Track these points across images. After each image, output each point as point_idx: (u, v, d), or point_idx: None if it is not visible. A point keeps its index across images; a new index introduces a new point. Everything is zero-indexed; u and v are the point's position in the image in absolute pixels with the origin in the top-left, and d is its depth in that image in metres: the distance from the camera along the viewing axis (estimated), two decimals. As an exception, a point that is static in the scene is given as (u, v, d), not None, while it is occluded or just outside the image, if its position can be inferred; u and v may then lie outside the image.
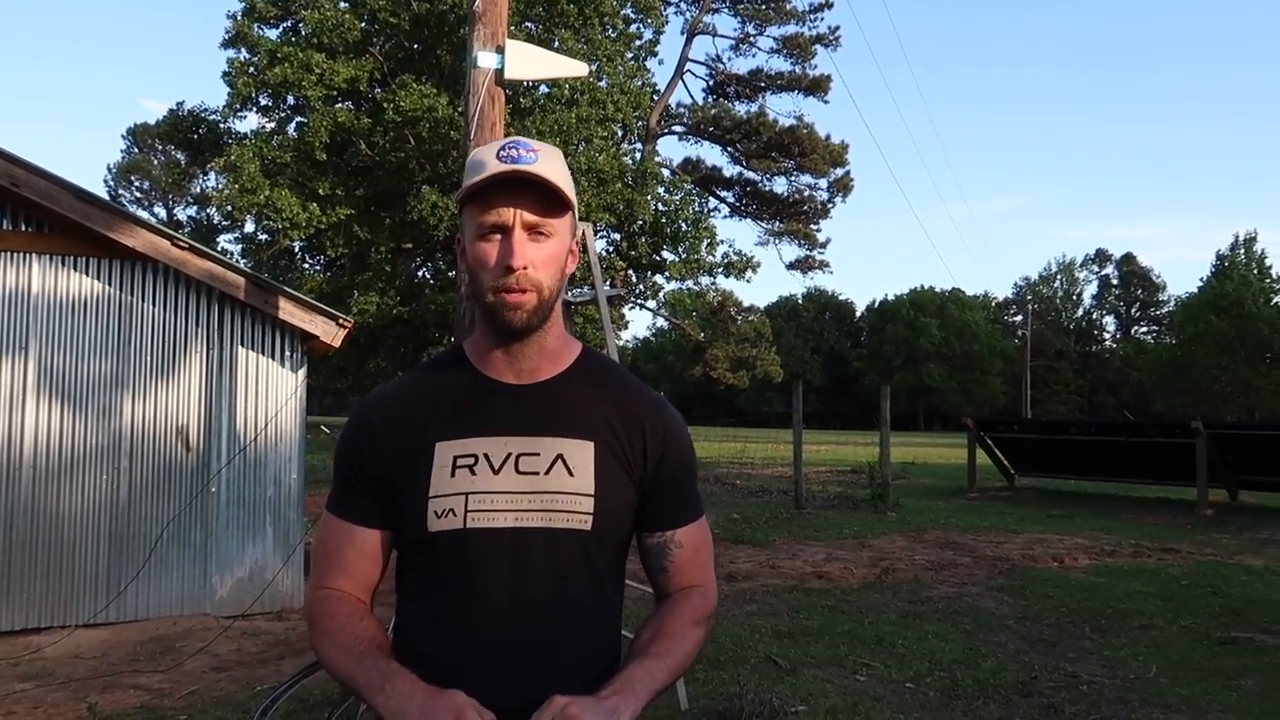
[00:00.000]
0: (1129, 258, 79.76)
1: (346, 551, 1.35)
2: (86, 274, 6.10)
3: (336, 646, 1.27)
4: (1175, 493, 14.90)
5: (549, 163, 1.29)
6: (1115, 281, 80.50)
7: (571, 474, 1.31)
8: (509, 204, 1.27)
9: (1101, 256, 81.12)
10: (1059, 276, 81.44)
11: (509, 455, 1.30)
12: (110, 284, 6.17)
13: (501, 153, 1.27)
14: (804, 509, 12.96)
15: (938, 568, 8.45)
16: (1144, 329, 78.46)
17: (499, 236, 1.28)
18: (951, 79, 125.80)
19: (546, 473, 1.30)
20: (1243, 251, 50.76)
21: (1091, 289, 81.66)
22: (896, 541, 10.11)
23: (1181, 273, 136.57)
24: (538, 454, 1.31)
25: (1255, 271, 49.69)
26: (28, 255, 5.96)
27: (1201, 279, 52.69)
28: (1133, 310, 79.92)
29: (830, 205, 30.90)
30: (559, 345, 1.39)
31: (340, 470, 1.37)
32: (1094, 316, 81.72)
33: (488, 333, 1.35)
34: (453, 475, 1.29)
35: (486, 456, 1.30)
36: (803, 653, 5.50)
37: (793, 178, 30.68)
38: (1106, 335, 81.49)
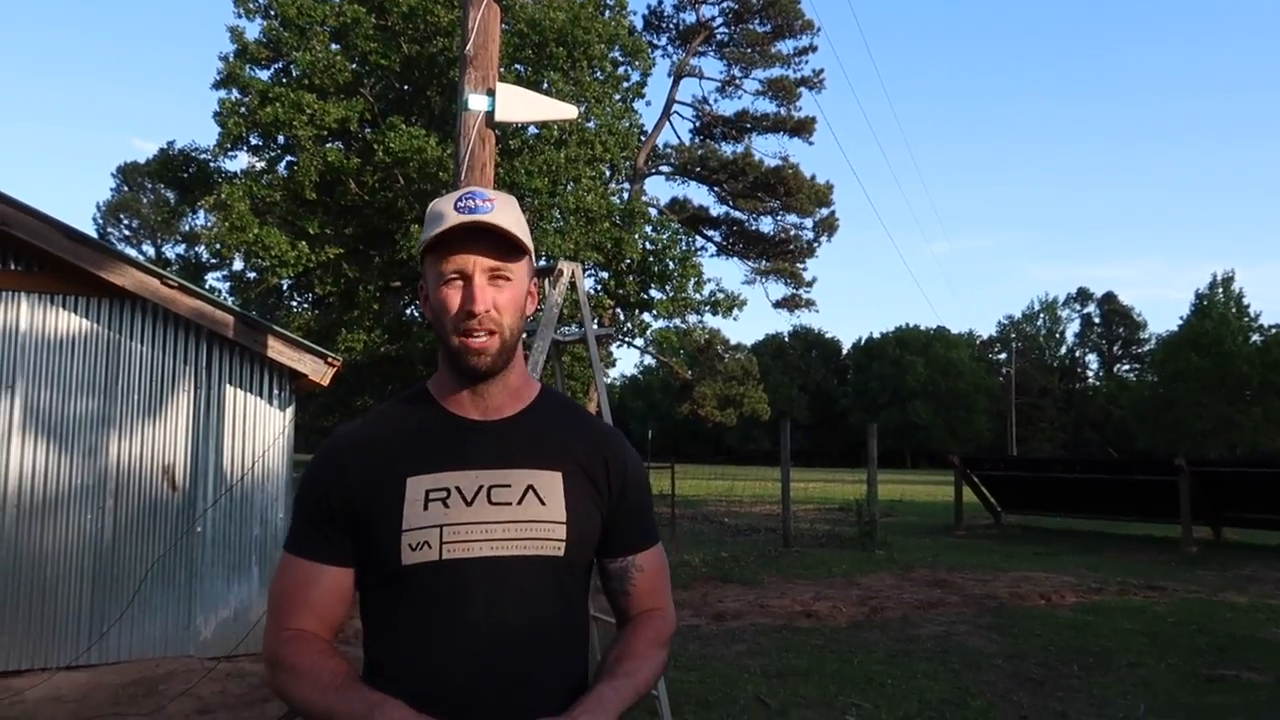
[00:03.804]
0: (1110, 297, 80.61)
1: (312, 591, 1.35)
2: (75, 312, 6.10)
3: (310, 684, 1.26)
4: (1160, 530, 14.96)
5: (505, 211, 1.35)
6: (1097, 320, 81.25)
7: (543, 503, 1.35)
8: (469, 251, 1.33)
9: (1083, 295, 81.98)
10: (1042, 315, 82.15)
11: (481, 487, 1.33)
12: (99, 322, 6.17)
13: (459, 204, 1.34)
14: (792, 547, 12.94)
15: (926, 606, 8.44)
16: (1126, 367, 79.08)
17: (460, 282, 1.34)
18: (932, 119, 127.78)
19: (519, 503, 1.34)
20: (1221, 291, 51.43)
21: (1074, 327, 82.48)
22: (885, 580, 10.10)
23: (1161, 311, 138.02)
24: (509, 485, 1.34)
25: (1233, 310, 50.31)
26: (17, 294, 5.96)
27: (1181, 318, 53.33)
28: (1115, 348, 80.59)
29: (816, 244, 31.18)
30: (521, 383, 1.45)
31: (305, 508, 1.38)
32: (1077, 354, 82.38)
33: (452, 374, 1.40)
34: (425, 508, 1.31)
35: (459, 489, 1.33)
36: (792, 693, 5.48)
37: (779, 217, 30.97)
38: (1089, 373, 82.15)
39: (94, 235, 6.57)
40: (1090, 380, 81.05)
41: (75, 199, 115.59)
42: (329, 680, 1.26)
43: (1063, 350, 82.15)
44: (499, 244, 1.34)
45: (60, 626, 5.85)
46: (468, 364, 1.34)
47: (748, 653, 6.52)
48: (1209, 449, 43.66)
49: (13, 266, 5.99)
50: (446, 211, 1.34)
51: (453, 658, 1.29)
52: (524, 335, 1.45)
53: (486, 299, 1.32)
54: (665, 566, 1.52)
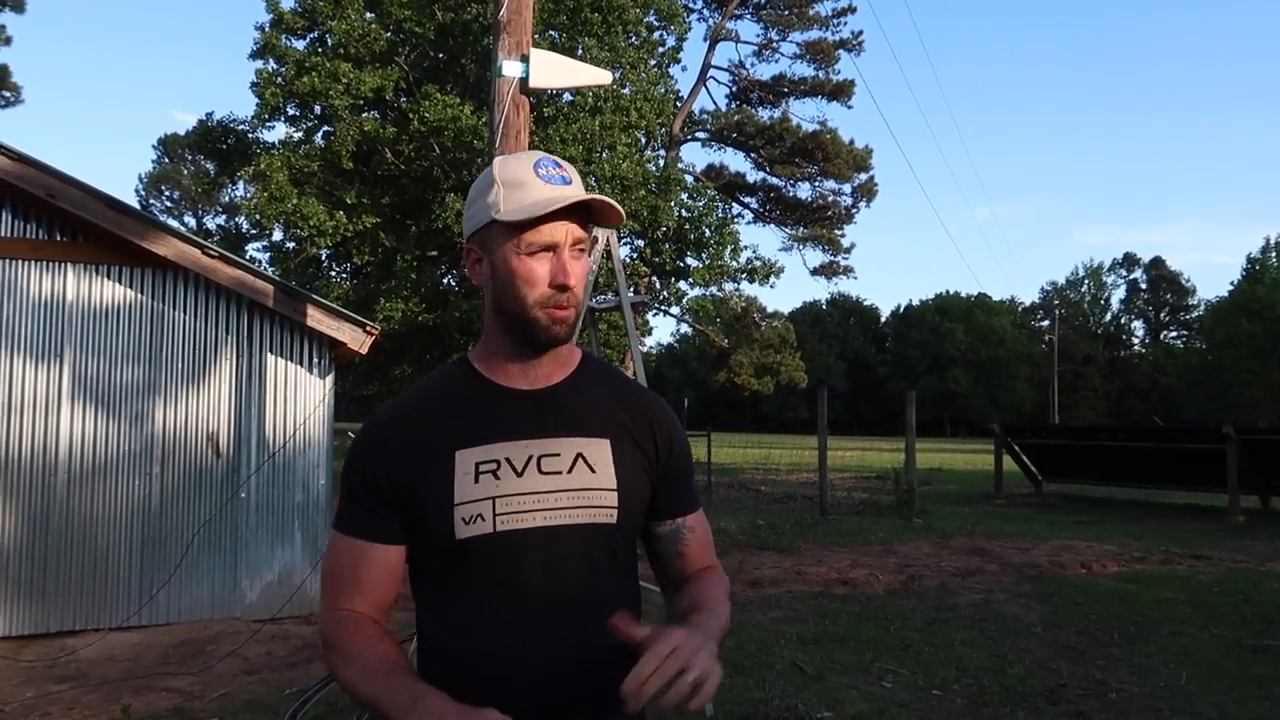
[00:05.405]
0: (1158, 261, 78.81)
1: (361, 570, 1.34)
2: (119, 282, 6.21)
3: (359, 669, 1.26)
4: (1206, 499, 14.70)
5: (579, 180, 1.34)
6: (1144, 285, 79.56)
7: (593, 470, 1.34)
8: (562, 223, 1.30)
9: (1130, 260, 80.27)
10: (1086, 281, 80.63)
11: (530, 458, 1.32)
12: (142, 292, 6.28)
13: (541, 172, 1.30)
14: (829, 515, 12.91)
15: (964, 574, 8.40)
16: (1173, 333, 77.45)
17: (549, 254, 1.30)
18: (973, 81, 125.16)
19: (569, 471, 1.33)
20: (1274, 254, 50.10)
21: (1120, 293, 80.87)
22: (922, 548, 10.05)
23: (1211, 276, 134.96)
24: (558, 454, 1.33)
25: (1287, 275, 49.00)
26: (63, 264, 6.08)
27: (1231, 282, 52.07)
28: (1162, 314, 78.93)
29: (854, 210, 30.76)
30: (569, 351, 1.43)
31: (351, 486, 1.36)
32: (1122, 321, 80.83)
33: (512, 344, 1.36)
34: (476, 481, 1.30)
35: (509, 460, 1.31)
36: (828, 659, 5.48)
37: (816, 183, 30.57)
38: (1135, 340, 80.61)
39: (136, 207, 6.66)
40: (1136, 347, 79.57)
41: (117, 171, 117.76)
42: (378, 667, 1.24)
43: (1108, 317, 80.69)
44: (582, 215, 1.32)
45: (112, 588, 6.02)
46: (549, 335, 1.32)
47: (784, 619, 6.54)
48: (1258, 417, 42.73)
49: (59, 237, 6.10)
50: (527, 180, 1.29)
51: (510, 629, 1.28)
52: None
53: (574, 272, 1.31)
54: (709, 532, 1.53)
